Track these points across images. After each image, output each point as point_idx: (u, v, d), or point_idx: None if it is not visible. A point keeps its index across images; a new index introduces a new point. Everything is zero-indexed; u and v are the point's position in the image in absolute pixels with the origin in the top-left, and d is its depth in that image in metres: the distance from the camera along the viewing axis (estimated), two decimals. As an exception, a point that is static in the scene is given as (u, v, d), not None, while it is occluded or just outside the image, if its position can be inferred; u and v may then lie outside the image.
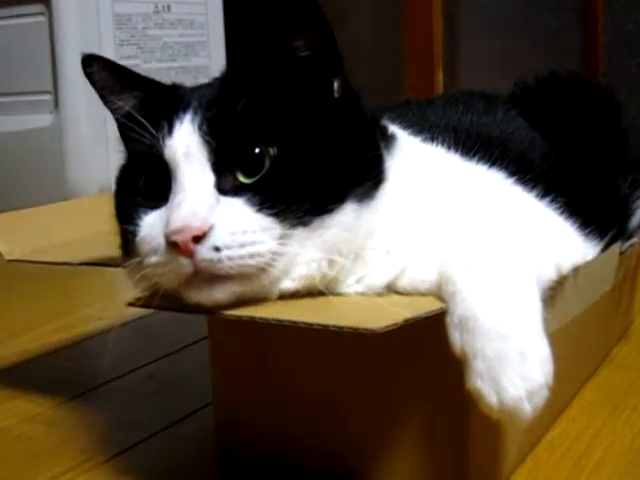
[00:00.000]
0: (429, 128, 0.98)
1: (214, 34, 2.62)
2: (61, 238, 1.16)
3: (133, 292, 0.80)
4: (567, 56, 2.47)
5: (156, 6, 2.44)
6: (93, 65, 0.85)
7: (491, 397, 0.67)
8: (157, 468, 0.93)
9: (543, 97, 1.19)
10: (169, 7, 2.48)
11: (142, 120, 0.78)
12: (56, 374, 1.25)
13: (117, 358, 1.28)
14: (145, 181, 0.79)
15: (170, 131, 0.77)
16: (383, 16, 2.82)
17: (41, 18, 2.31)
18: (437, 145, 0.94)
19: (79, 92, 2.23)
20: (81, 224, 1.20)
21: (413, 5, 2.70)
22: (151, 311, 1.37)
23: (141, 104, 0.84)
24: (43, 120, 2.35)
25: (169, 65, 2.46)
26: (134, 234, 0.78)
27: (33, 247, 1.11)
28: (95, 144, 2.28)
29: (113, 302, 1.56)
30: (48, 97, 2.33)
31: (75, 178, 2.29)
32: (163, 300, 0.77)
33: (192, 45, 2.56)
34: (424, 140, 0.94)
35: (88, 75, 0.86)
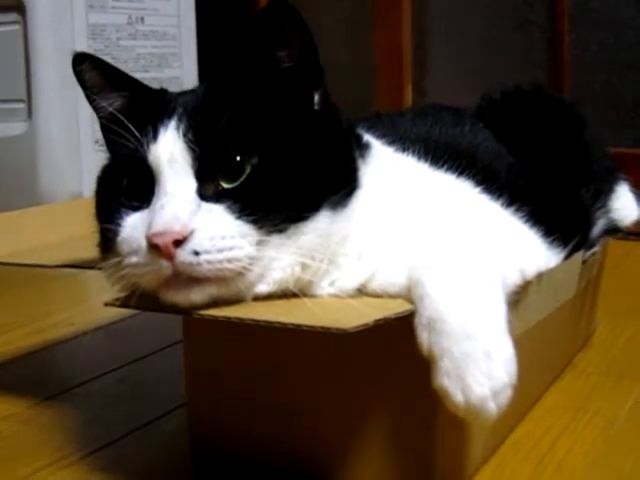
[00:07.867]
0: (400, 139, 1.00)
1: (187, 46, 2.63)
2: (36, 242, 1.17)
3: (107, 296, 0.81)
4: (534, 72, 2.51)
5: (130, 17, 2.45)
6: (83, 63, 0.86)
7: (457, 395, 0.70)
8: (131, 467, 0.94)
9: (508, 110, 1.22)
10: (142, 19, 2.49)
11: (127, 123, 0.80)
12: (30, 376, 1.26)
13: (89, 361, 1.29)
14: (128, 182, 0.80)
15: (155, 136, 0.78)
16: (354, 32, 2.85)
17: (16, 27, 2.30)
18: (408, 155, 0.96)
19: (53, 101, 2.22)
20: (55, 229, 1.21)
21: (383, 22, 2.74)
22: (123, 317, 1.40)
23: (127, 105, 0.85)
24: (17, 128, 2.33)
25: (142, 76, 2.42)
26: (115, 233, 0.79)
27: (7, 251, 1.12)
28: (68, 153, 2.28)
29: (85, 308, 1.57)
30: (22, 105, 2.32)
31: (47, 186, 2.28)
32: (140, 300, 0.78)
33: (165, 56, 2.56)
34: (395, 150, 0.96)
35: (77, 73, 0.86)
